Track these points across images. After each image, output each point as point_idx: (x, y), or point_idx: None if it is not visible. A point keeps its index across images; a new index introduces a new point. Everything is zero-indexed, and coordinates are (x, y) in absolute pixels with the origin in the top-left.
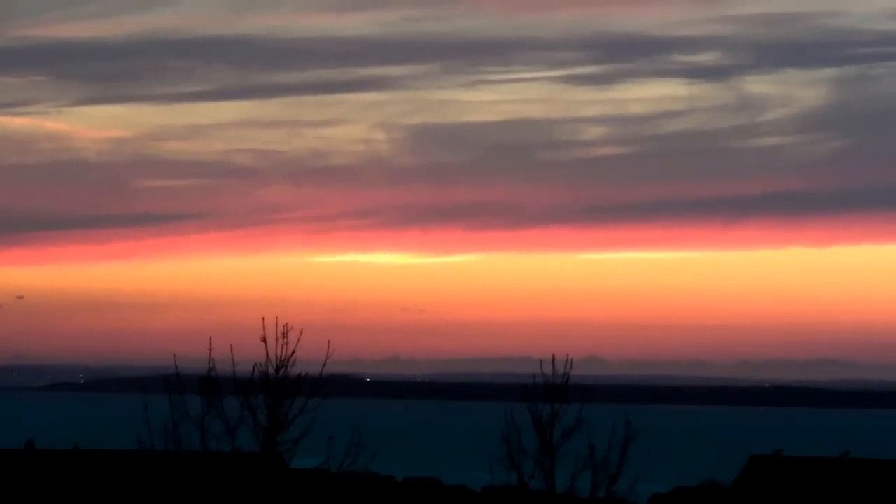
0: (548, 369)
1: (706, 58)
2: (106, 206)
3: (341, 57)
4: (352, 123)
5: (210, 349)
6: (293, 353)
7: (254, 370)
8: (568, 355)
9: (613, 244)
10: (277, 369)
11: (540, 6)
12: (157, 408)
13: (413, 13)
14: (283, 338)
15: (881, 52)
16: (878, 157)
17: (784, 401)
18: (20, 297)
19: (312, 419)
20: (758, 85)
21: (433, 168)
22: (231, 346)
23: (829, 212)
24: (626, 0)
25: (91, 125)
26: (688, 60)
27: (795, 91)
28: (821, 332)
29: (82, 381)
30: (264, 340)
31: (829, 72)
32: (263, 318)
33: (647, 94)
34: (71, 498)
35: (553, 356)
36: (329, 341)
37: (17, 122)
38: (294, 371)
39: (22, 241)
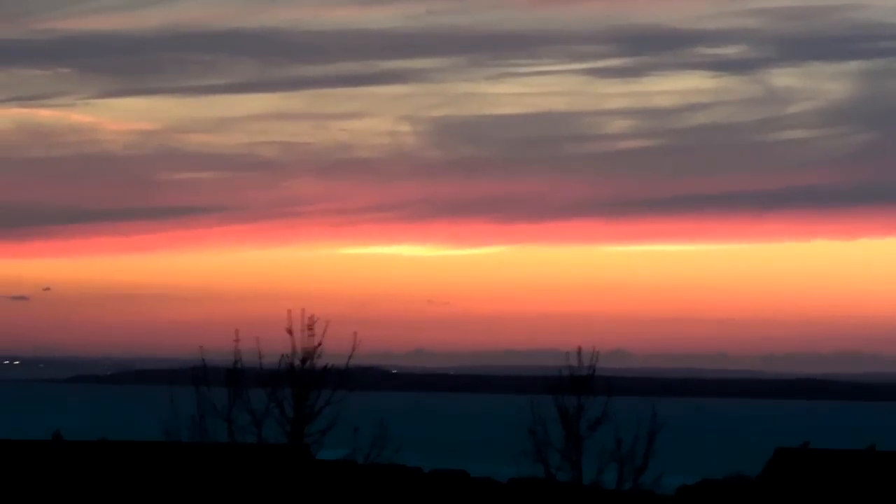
0: (574, 362)
1: (731, 51)
2: (131, 198)
3: (366, 50)
4: (377, 116)
5: (236, 341)
6: (319, 344)
7: (280, 362)
8: (594, 348)
9: (639, 237)
10: (303, 361)
11: None
12: (184, 400)
13: (438, 6)
14: (309, 330)
15: None
16: None
17: (809, 394)
18: (46, 289)
19: (338, 411)
20: (783, 78)
21: (458, 161)
22: (257, 338)
23: (855, 205)
24: None
25: (116, 118)
26: (713, 53)
27: (821, 84)
28: (846, 325)
29: (108, 374)
30: (290, 332)
31: (855, 65)
32: (289, 311)
33: (673, 87)
34: (98, 489)
35: (579, 349)
36: (355, 333)
37: (43, 115)
38: (320, 363)
39: (48, 234)
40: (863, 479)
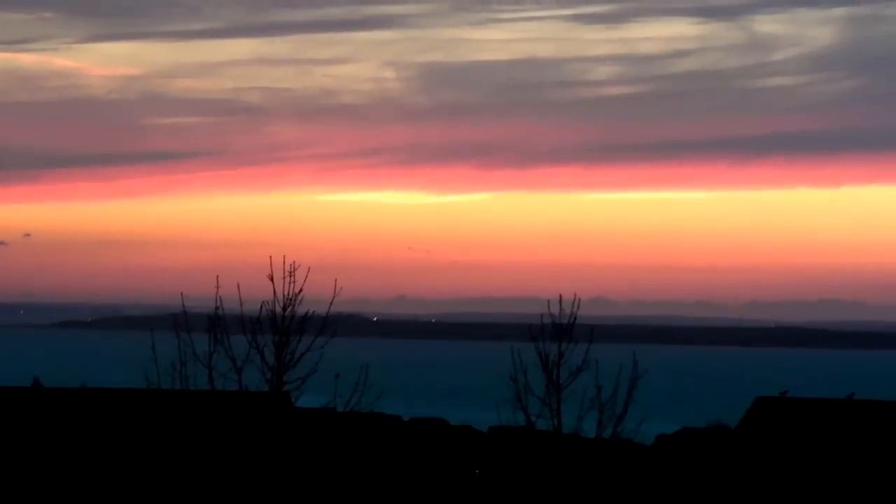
0: (555, 309)
1: None
2: (114, 143)
3: None
4: (361, 62)
5: (217, 287)
6: (300, 291)
7: (261, 309)
8: (575, 295)
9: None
10: (284, 308)
11: None
12: (165, 346)
13: None
14: (291, 276)
15: None
16: (889, 97)
17: (790, 341)
18: (27, 235)
19: (319, 358)
20: (768, 24)
21: (442, 107)
22: (238, 284)
23: (839, 152)
24: None
25: (100, 62)
26: None
27: (806, 30)
28: (828, 272)
29: (89, 320)
30: (271, 279)
31: (841, 11)
32: (271, 257)
33: (657, 34)
34: (77, 436)
35: (560, 296)
36: (336, 280)
37: (26, 59)
38: (301, 310)
39: (29, 179)
40: (842, 428)
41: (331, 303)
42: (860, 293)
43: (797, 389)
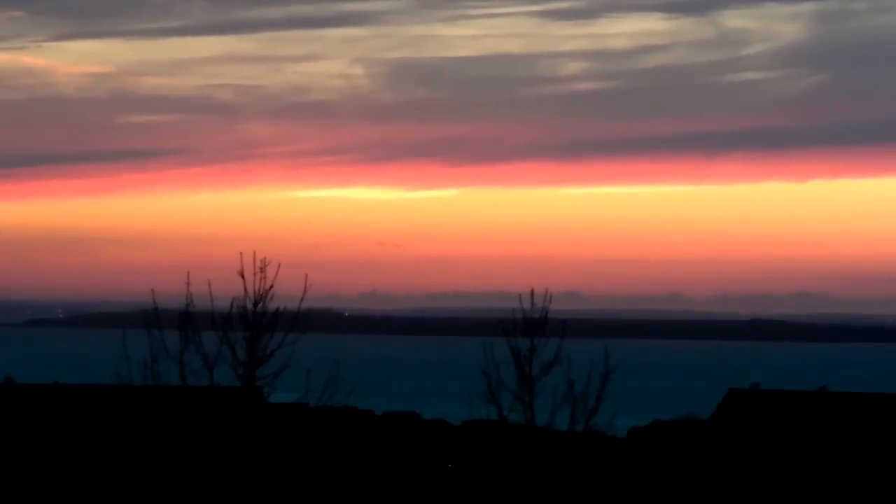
0: (526, 304)
1: None
2: (84, 141)
3: None
4: (331, 59)
5: (188, 284)
6: (271, 287)
7: (231, 305)
8: (547, 290)
9: (592, 179)
10: (255, 304)
11: None
12: (136, 343)
13: None
14: (261, 273)
15: None
16: (857, 92)
17: (762, 334)
18: None
19: (291, 354)
20: (737, 19)
21: (413, 103)
22: (209, 281)
23: (808, 146)
24: None
25: (69, 61)
26: None
27: (775, 25)
28: (798, 266)
29: (61, 317)
30: (242, 275)
31: (810, 6)
32: (241, 254)
33: (627, 29)
34: (50, 433)
35: (532, 290)
36: (307, 276)
37: None
38: (272, 306)
39: (0, 177)
40: (815, 420)
41: (302, 299)
42: (830, 286)
43: (768, 382)
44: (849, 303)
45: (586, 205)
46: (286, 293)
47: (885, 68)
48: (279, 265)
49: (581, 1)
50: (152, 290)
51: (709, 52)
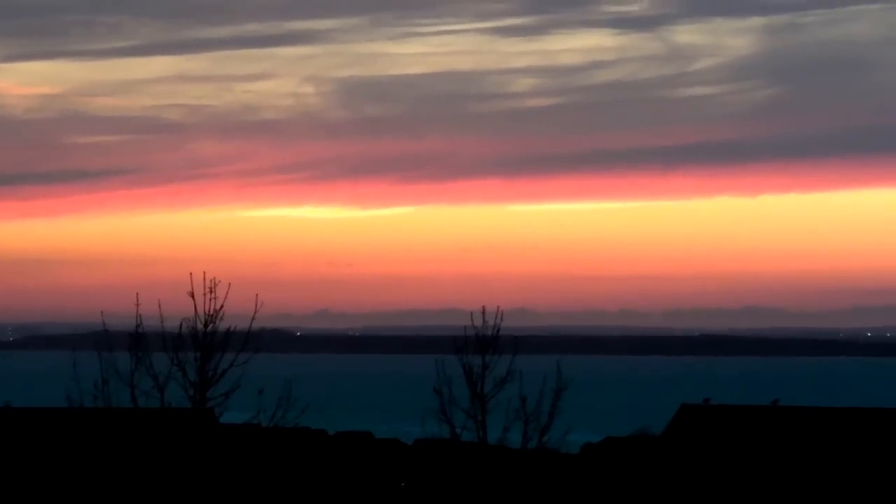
0: (478, 321)
1: (634, 7)
2: (34, 163)
3: (270, 10)
4: (281, 77)
5: (137, 305)
6: (221, 307)
7: (181, 326)
8: (498, 307)
9: (543, 196)
10: (206, 324)
11: None
12: (87, 365)
13: None
14: (211, 293)
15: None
16: (807, 105)
17: (714, 349)
18: None
19: (242, 374)
20: (687, 34)
21: (363, 121)
22: (159, 302)
23: (758, 161)
24: None
25: (18, 82)
26: (616, 10)
27: (724, 40)
28: (749, 280)
29: (11, 339)
30: (192, 296)
31: (758, 20)
32: (191, 274)
33: (577, 45)
34: (1, 455)
35: (483, 308)
36: (258, 295)
37: None
38: (223, 326)
39: None
40: (767, 434)
41: (253, 318)
42: (781, 300)
43: (721, 397)
44: (800, 316)
45: (536, 222)
46: (238, 313)
47: (834, 82)
48: (229, 285)
49: (531, 17)
50: (101, 311)
51: (658, 68)
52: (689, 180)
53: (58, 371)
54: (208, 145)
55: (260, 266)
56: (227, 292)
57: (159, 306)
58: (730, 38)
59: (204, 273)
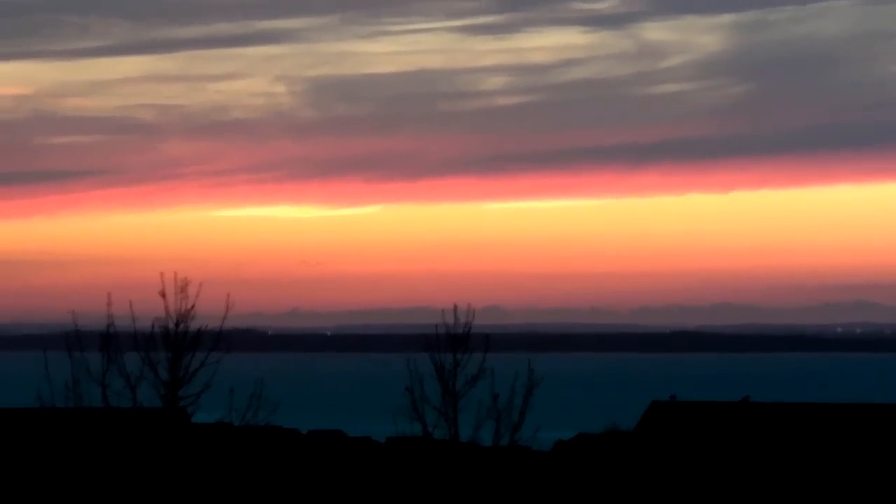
0: (449, 319)
1: (604, 5)
2: (4, 163)
3: (240, 10)
4: (252, 77)
5: (109, 305)
6: (192, 307)
7: (152, 325)
8: (469, 305)
9: (513, 193)
10: (177, 324)
11: None
12: (58, 365)
13: None
14: (182, 292)
15: None
16: (777, 102)
17: (683, 346)
18: None
19: (213, 373)
20: (657, 32)
21: (334, 120)
22: (130, 301)
23: (728, 158)
24: None
25: None
26: (586, 8)
27: (694, 37)
28: (719, 277)
29: None
30: (163, 295)
31: (728, 17)
32: (162, 273)
33: (547, 43)
34: None
35: (454, 306)
36: (229, 295)
37: None
38: (194, 325)
39: None
40: (737, 431)
41: (224, 318)
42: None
43: (691, 393)
44: (770, 313)
45: (508, 219)
46: (209, 312)
47: (804, 78)
48: (200, 284)
49: (500, 15)
50: (72, 311)
51: (628, 65)
52: (660, 177)
53: (28, 371)
54: (179, 145)
55: (231, 266)
56: (199, 292)
57: (131, 306)
58: (699, 36)
59: (175, 273)
